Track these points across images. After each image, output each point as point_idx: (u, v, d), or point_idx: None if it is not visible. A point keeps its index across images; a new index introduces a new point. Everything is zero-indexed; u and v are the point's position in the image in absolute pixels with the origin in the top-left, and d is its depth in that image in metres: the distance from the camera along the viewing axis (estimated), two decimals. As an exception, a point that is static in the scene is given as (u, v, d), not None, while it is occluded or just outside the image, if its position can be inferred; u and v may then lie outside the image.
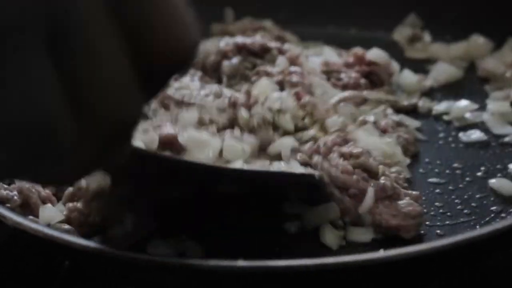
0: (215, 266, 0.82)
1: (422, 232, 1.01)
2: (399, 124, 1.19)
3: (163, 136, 1.04)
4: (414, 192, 1.03)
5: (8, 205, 0.98)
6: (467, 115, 1.23)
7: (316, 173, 1.04)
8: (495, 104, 1.25)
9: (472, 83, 1.32)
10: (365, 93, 1.23)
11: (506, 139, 1.19)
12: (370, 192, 1.01)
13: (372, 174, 1.04)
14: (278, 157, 1.09)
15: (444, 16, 1.44)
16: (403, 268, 0.84)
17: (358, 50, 1.32)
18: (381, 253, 0.85)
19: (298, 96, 1.17)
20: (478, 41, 1.37)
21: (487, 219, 1.04)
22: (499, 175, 1.12)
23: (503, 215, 1.05)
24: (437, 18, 1.45)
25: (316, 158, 1.07)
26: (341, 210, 1.03)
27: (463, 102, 1.25)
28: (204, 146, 1.06)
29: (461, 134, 1.20)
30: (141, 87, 0.59)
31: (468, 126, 1.22)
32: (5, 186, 1.00)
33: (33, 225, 0.89)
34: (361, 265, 0.82)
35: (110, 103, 0.56)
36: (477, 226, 1.02)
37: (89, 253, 0.85)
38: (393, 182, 1.02)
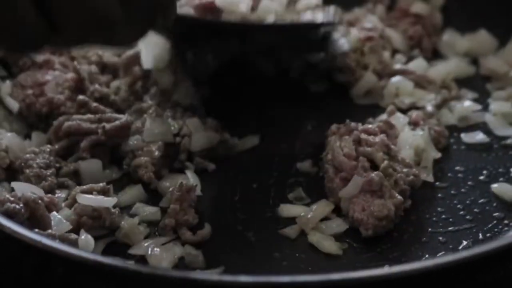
0: (218, 282, 0.81)
1: (424, 239, 1.01)
2: (430, 116, 1.18)
3: (202, 2, 1.17)
4: (398, 197, 1.02)
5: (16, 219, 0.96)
6: (470, 115, 1.22)
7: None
8: (497, 104, 1.23)
9: (475, 81, 1.29)
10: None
11: (509, 141, 1.18)
12: (355, 180, 1.02)
13: (375, 165, 1.04)
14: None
15: (449, 9, 1.42)
16: (408, 284, 0.84)
17: (402, 4, 1.37)
18: (386, 270, 0.85)
19: None
20: (484, 37, 1.35)
21: (490, 225, 1.03)
22: (501, 179, 1.11)
23: (506, 221, 1.04)
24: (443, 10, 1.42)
25: (333, 138, 1.08)
26: (328, 189, 1.06)
27: (466, 103, 1.24)
28: (237, 4, 1.18)
29: (463, 135, 1.19)
30: None
31: (470, 127, 1.21)
32: (11, 198, 0.99)
33: (31, 235, 0.87)
34: (367, 282, 0.81)
35: None
36: (480, 233, 1.02)
37: (90, 265, 0.84)
38: (383, 180, 1.01)
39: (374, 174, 1.02)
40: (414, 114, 1.17)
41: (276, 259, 0.99)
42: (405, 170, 1.06)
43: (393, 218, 1.01)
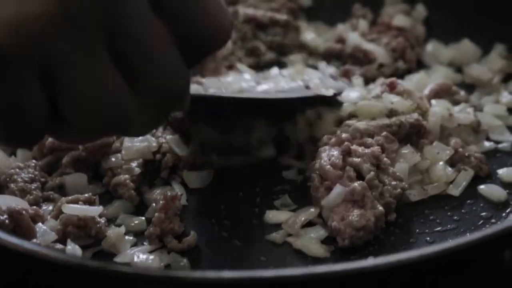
0: (201, 278, 0.80)
1: (411, 240, 1.01)
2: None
3: None
4: (380, 208, 1.00)
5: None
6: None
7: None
8: (489, 107, 1.23)
9: (461, 89, 1.29)
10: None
11: (499, 146, 1.18)
12: (337, 189, 1.01)
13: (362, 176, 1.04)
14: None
15: (432, 20, 1.44)
16: (393, 276, 0.83)
17: (385, 18, 1.39)
18: (370, 261, 0.84)
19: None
20: (467, 47, 1.37)
21: (477, 225, 1.03)
22: (488, 180, 1.11)
23: (493, 221, 1.04)
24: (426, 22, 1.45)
25: (323, 148, 1.08)
26: (313, 198, 1.05)
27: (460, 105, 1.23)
28: None
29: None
30: (186, 61, 0.79)
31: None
32: None
33: (13, 240, 0.86)
34: (351, 274, 0.80)
35: (162, 79, 0.78)
36: (467, 233, 1.02)
37: (75, 268, 0.83)
38: (366, 190, 1.00)
39: (357, 184, 1.01)
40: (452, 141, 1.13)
41: (262, 263, 0.98)
42: (393, 183, 1.04)
43: (372, 229, 0.99)
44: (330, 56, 1.37)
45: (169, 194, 1.03)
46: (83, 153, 1.10)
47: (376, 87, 1.18)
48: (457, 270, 0.86)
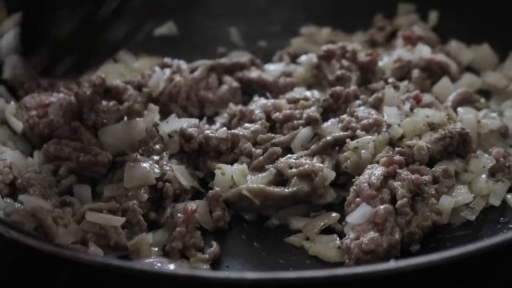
0: (224, 279, 0.81)
1: (431, 245, 1.01)
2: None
3: None
4: (396, 237, 0.97)
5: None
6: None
7: None
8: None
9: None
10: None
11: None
12: (363, 208, 1.00)
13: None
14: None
15: (446, 28, 1.45)
16: (414, 279, 0.84)
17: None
18: (391, 264, 0.85)
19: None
20: (486, 51, 1.38)
21: (495, 230, 1.04)
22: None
23: (510, 226, 1.04)
24: (442, 26, 1.46)
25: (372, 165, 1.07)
26: (345, 212, 1.03)
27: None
28: None
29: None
30: None
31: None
32: (19, 209, 1.01)
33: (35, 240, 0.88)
34: (373, 276, 0.81)
35: None
36: (485, 238, 1.02)
37: (101, 267, 0.85)
38: (389, 215, 0.98)
39: (382, 207, 0.99)
40: (495, 150, 1.13)
41: (281, 265, 0.99)
42: (427, 214, 1.01)
43: (382, 255, 0.96)
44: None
45: (189, 208, 1.04)
46: (76, 166, 1.11)
47: (406, 103, 1.17)
48: (476, 273, 0.87)
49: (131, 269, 0.84)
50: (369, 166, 1.06)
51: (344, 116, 1.16)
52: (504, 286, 0.93)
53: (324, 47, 1.32)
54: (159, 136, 1.16)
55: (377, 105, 1.18)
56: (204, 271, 0.90)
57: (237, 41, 1.50)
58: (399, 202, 1.00)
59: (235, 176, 1.08)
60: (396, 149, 1.09)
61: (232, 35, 1.51)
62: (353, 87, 1.22)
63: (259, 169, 1.10)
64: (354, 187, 1.04)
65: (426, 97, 1.19)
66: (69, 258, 0.87)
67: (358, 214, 1.00)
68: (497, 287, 0.92)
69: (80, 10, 1.01)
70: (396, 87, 1.23)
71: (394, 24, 1.49)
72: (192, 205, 1.05)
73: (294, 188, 1.05)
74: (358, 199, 1.02)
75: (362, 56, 1.30)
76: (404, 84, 1.25)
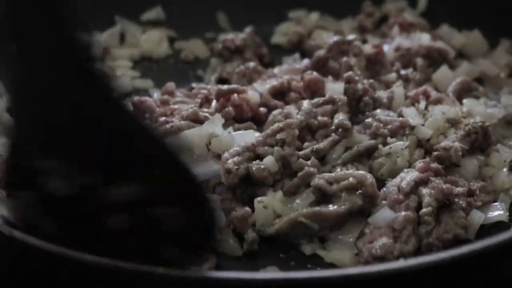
0: (236, 279, 0.81)
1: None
2: None
3: None
4: (409, 247, 0.94)
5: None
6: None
7: None
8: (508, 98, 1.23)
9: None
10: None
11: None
12: (384, 212, 0.98)
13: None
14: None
15: (437, 15, 1.45)
16: (424, 276, 0.84)
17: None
18: (401, 263, 0.85)
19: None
20: (477, 36, 1.38)
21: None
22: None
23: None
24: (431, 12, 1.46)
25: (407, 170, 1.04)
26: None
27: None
28: None
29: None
30: None
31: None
32: None
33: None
34: (384, 275, 0.81)
35: None
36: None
37: (103, 267, 0.83)
38: (408, 223, 0.96)
39: (403, 213, 0.97)
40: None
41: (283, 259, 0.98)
42: (451, 227, 0.98)
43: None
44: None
45: None
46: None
47: (421, 102, 1.16)
48: (485, 270, 0.88)
49: (134, 270, 0.82)
50: (405, 170, 1.04)
51: (369, 120, 1.12)
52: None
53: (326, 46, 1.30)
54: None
55: (390, 105, 1.17)
56: (217, 272, 0.88)
57: (225, 25, 1.49)
58: (422, 210, 0.98)
59: (277, 207, 1.02)
60: (434, 154, 1.06)
61: (220, 20, 1.49)
62: (366, 81, 1.18)
63: (293, 192, 1.04)
64: (384, 189, 1.02)
65: (434, 93, 1.18)
66: (70, 257, 0.85)
67: (379, 218, 0.99)
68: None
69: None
70: (408, 80, 1.22)
71: (383, 10, 1.48)
72: None
73: (347, 204, 1.00)
74: (384, 201, 1.00)
75: (368, 49, 1.28)
76: (410, 72, 1.25)
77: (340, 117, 1.11)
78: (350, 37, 1.31)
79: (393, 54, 1.30)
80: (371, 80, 1.18)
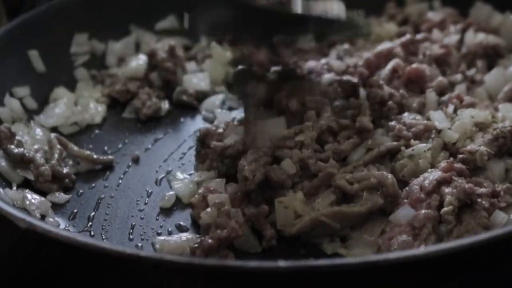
0: (257, 268, 0.81)
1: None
2: None
3: None
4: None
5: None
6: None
7: None
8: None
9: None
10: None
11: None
12: (405, 210, 0.99)
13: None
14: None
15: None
16: (443, 262, 0.84)
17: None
18: (421, 250, 0.85)
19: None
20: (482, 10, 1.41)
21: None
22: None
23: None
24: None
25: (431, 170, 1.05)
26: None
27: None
28: None
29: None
30: None
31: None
32: None
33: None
34: (404, 261, 0.81)
35: None
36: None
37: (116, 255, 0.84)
38: (428, 221, 0.96)
39: (423, 211, 0.98)
40: None
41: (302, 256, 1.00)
42: (472, 226, 0.97)
43: None
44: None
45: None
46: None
47: (449, 106, 1.17)
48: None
49: (149, 258, 0.83)
50: (429, 170, 1.05)
51: (393, 123, 1.13)
52: None
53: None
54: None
55: (421, 110, 1.18)
56: (238, 261, 0.89)
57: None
58: (444, 209, 0.98)
59: (298, 207, 1.02)
60: (459, 156, 1.06)
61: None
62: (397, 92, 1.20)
63: (313, 194, 1.05)
64: (407, 188, 1.02)
65: (468, 97, 1.18)
66: (83, 246, 0.86)
67: (400, 215, 0.99)
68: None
69: None
70: (474, 82, 1.23)
71: (405, 12, 1.49)
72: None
73: (368, 203, 1.01)
74: (406, 200, 1.01)
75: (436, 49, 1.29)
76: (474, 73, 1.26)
77: (362, 119, 1.13)
78: (419, 36, 1.32)
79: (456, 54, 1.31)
80: (402, 91, 1.19)
